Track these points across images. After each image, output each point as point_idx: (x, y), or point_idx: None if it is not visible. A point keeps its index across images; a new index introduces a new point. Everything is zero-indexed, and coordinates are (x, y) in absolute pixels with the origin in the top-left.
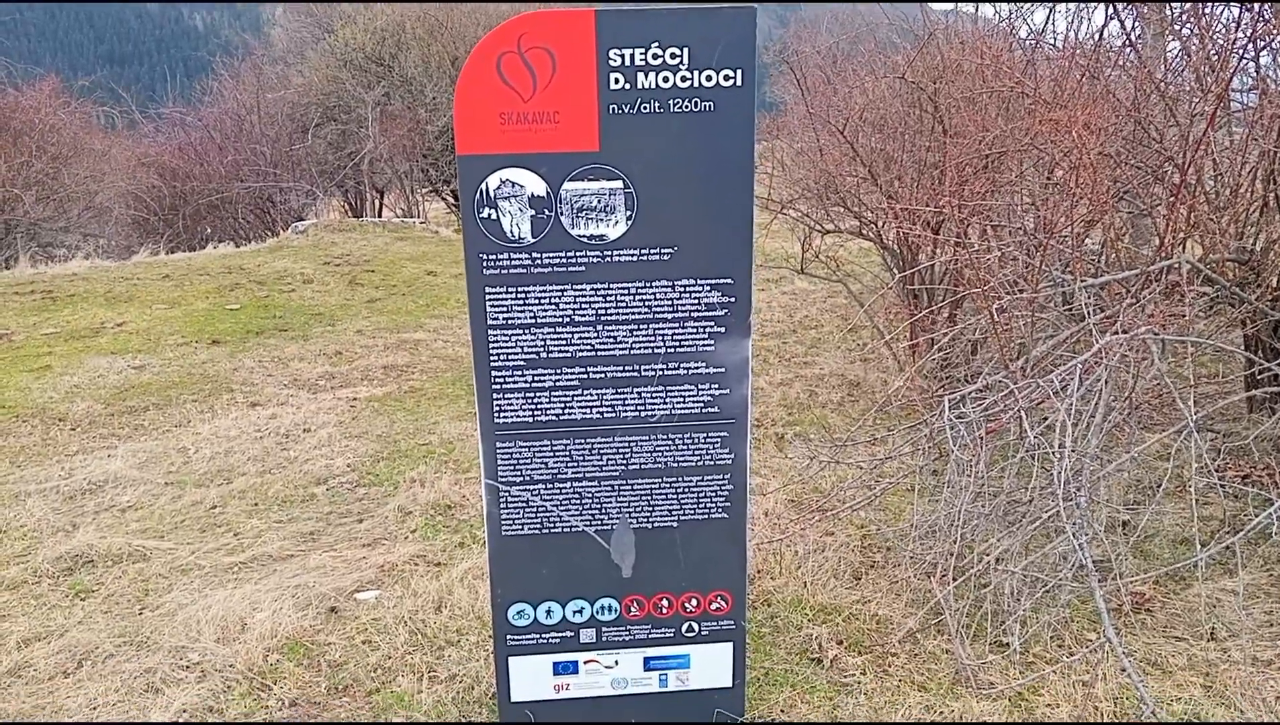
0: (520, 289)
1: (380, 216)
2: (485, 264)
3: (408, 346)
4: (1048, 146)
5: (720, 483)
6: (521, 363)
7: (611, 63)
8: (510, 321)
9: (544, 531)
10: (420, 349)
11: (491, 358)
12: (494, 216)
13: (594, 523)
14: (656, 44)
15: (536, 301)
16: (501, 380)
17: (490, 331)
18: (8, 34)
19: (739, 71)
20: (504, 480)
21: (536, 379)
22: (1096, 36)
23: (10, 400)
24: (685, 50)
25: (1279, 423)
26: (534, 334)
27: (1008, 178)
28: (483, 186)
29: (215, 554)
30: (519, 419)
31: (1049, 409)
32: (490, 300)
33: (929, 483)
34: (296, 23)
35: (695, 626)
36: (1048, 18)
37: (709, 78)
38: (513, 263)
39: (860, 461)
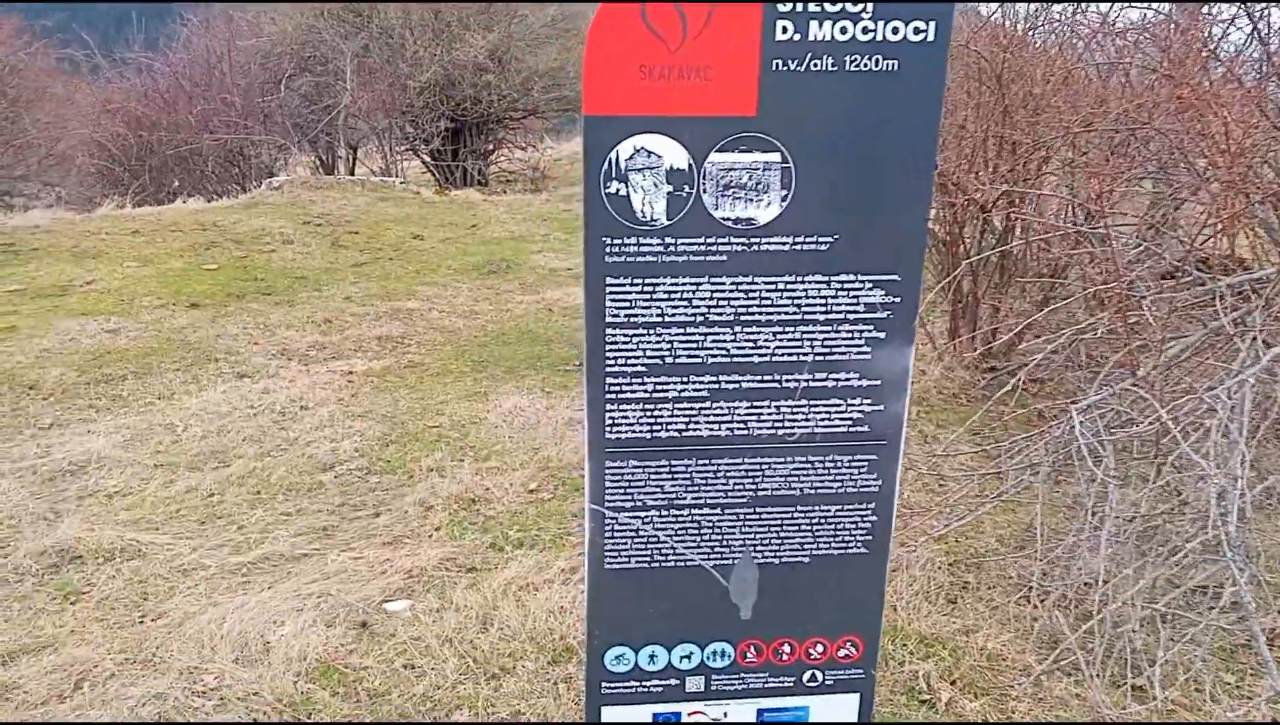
0: (648, 280)
1: (353, 174)
2: (609, 249)
3: (401, 316)
4: (1176, 129)
5: (863, 513)
6: (642, 368)
7: (780, 7)
8: (633, 319)
9: (654, 565)
10: (414, 319)
11: (608, 361)
12: (623, 192)
13: (713, 556)
14: None
15: (666, 296)
16: (618, 388)
17: (609, 330)
18: None
19: (932, 24)
20: (612, 505)
21: (659, 388)
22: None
23: None
24: None
25: None
26: (660, 334)
27: (1112, 159)
28: (612, 156)
29: (219, 552)
30: (635, 434)
31: (1188, 421)
32: (611, 293)
33: (1028, 497)
34: None
35: (819, 675)
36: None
37: (895, 30)
38: (641, 249)
39: (919, 462)
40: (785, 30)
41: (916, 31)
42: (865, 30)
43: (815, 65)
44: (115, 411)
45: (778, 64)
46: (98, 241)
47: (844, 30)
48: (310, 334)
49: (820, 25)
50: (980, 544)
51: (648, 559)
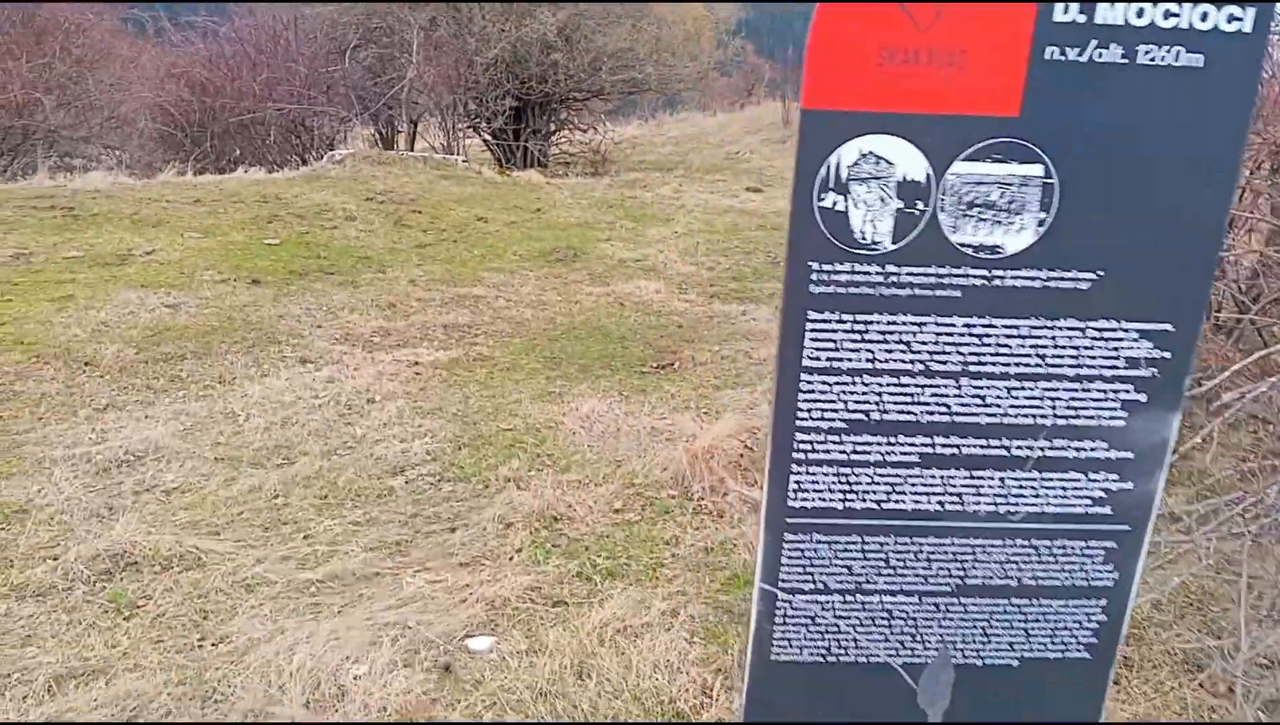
0: (860, 317)
1: (413, 149)
2: (815, 276)
3: (467, 303)
4: None
5: (1089, 611)
6: (841, 425)
7: None
8: (836, 364)
9: (830, 659)
10: (481, 307)
11: (799, 414)
12: (840, 207)
13: (902, 653)
14: None
15: (880, 337)
16: (808, 447)
17: (804, 376)
18: None
19: (1250, 11)
20: (786, 585)
21: (859, 449)
22: None
23: (30, 335)
24: None
25: None
26: (867, 384)
27: None
28: (832, 161)
29: (285, 565)
30: (824, 503)
31: None
32: (813, 331)
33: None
34: None
35: None
36: None
37: (1204, 16)
38: (856, 278)
39: None
40: (1067, 9)
41: (1230, 20)
42: (1168, 14)
43: (1099, 56)
44: (174, 394)
45: (1053, 52)
46: (159, 209)
47: (1140, 13)
48: (374, 318)
49: (1112, 4)
50: (1135, 608)
51: (823, 652)
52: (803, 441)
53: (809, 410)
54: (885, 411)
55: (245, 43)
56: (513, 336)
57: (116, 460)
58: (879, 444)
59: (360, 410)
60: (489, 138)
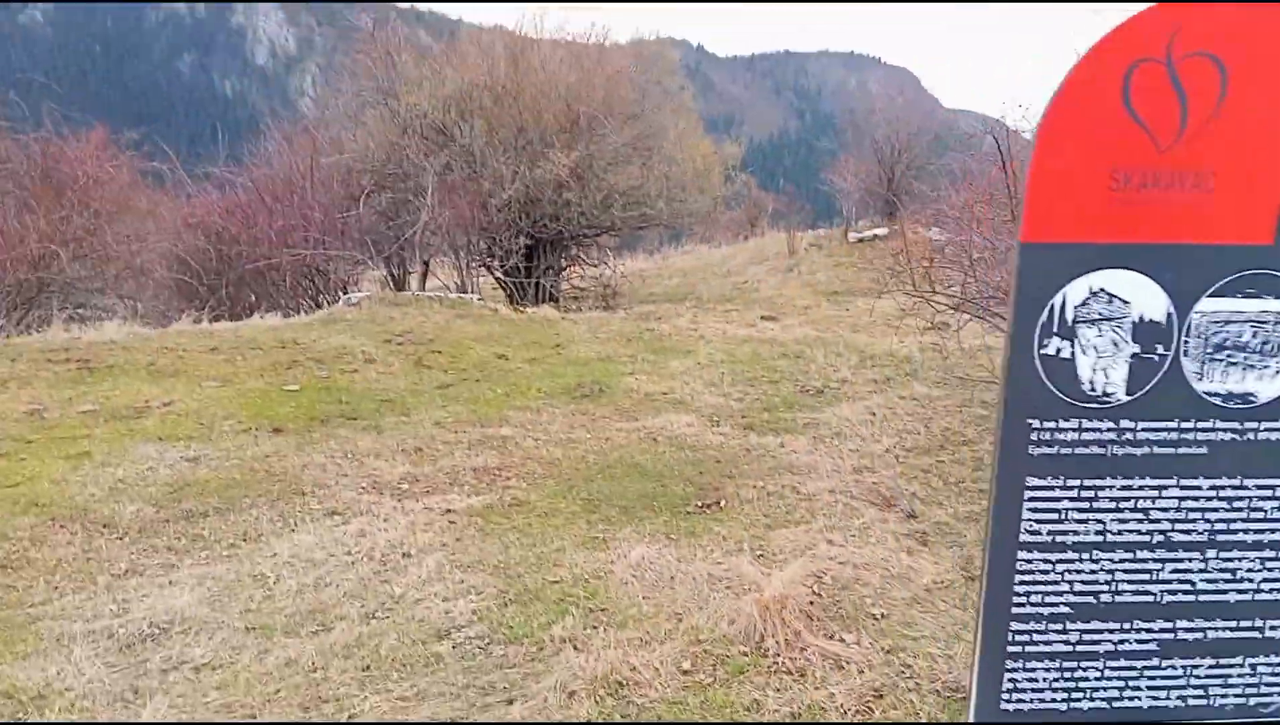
0: (1089, 482)
1: (424, 288)
2: (1035, 436)
3: (495, 444)
4: None
5: None
6: (1066, 610)
7: None
8: (1060, 538)
9: None
10: (510, 448)
11: (1015, 599)
12: (1066, 353)
13: None
14: None
15: (1113, 505)
16: (1027, 638)
17: (1021, 553)
18: (41, 95)
19: None
20: None
21: (1087, 639)
22: None
23: (45, 496)
24: None
25: None
26: (1097, 561)
27: None
28: (1056, 301)
29: None
30: (1043, 704)
31: None
32: (1033, 501)
33: None
34: (355, 86)
35: None
36: None
37: None
38: (1084, 436)
39: None
40: None
41: None
42: None
43: None
44: (197, 555)
45: None
46: (175, 358)
47: None
48: (401, 464)
49: None
50: None
51: None
52: (1019, 632)
53: (1027, 594)
54: (1118, 592)
55: (262, 191)
56: (546, 478)
57: (140, 634)
58: (1111, 631)
59: (396, 566)
60: (499, 275)
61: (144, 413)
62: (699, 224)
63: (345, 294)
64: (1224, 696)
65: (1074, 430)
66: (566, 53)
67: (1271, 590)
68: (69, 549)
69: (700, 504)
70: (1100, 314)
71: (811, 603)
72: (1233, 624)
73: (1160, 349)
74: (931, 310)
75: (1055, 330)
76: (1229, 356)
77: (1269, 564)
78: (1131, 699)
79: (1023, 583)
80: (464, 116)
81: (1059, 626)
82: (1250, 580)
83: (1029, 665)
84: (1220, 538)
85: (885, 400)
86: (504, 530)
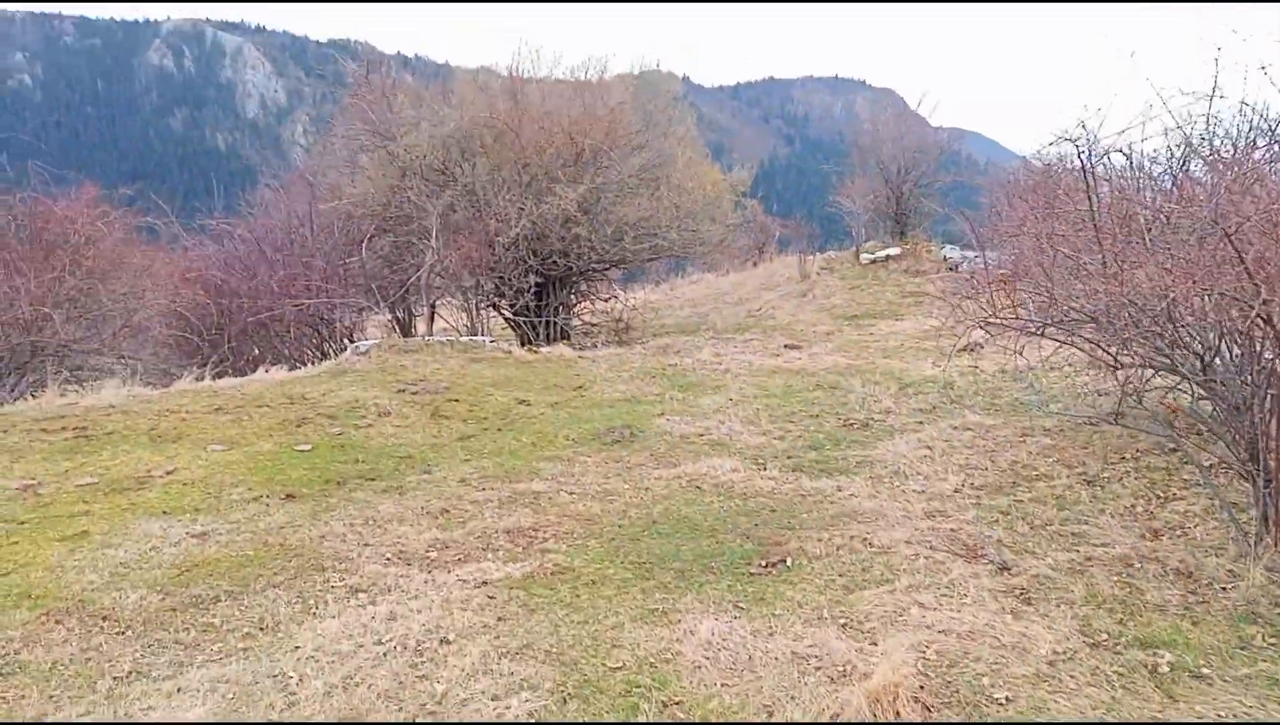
0: None
1: (431, 332)
2: None
3: (526, 500)
4: None
5: None
6: None
7: None
8: None
9: None
10: (543, 504)
11: None
12: None
13: None
14: None
15: None
16: None
17: None
18: (31, 155)
19: None
20: None
21: None
22: None
23: (38, 586)
24: None
25: None
26: None
27: None
28: None
29: None
30: None
31: None
32: None
33: None
34: (351, 131)
35: None
36: None
37: None
38: None
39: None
40: None
41: None
42: None
43: None
44: (208, 649)
45: None
46: (178, 421)
47: None
48: (427, 529)
49: None
50: None
51: None
52: None
53: None
54: None
55: (261, 242)
56: (587, 538)
57: None
58: None
59: (434, 656)
60: (508, 314)
61: (146, 483)
62: (710, 252)
63: (351, 342)
64: None
65: None
66: (567, 87)
67: None
68: (66, 648)
69: (764, 563)
70: None
71: (922, 686)
72: None
73: None
74: (959, 334)
75: None
76: None
77: None
78: None
79: None
80: (465, 156)
81: None
82: None
83: None
84: None
85: (939, 432)
86: (550, 605)
